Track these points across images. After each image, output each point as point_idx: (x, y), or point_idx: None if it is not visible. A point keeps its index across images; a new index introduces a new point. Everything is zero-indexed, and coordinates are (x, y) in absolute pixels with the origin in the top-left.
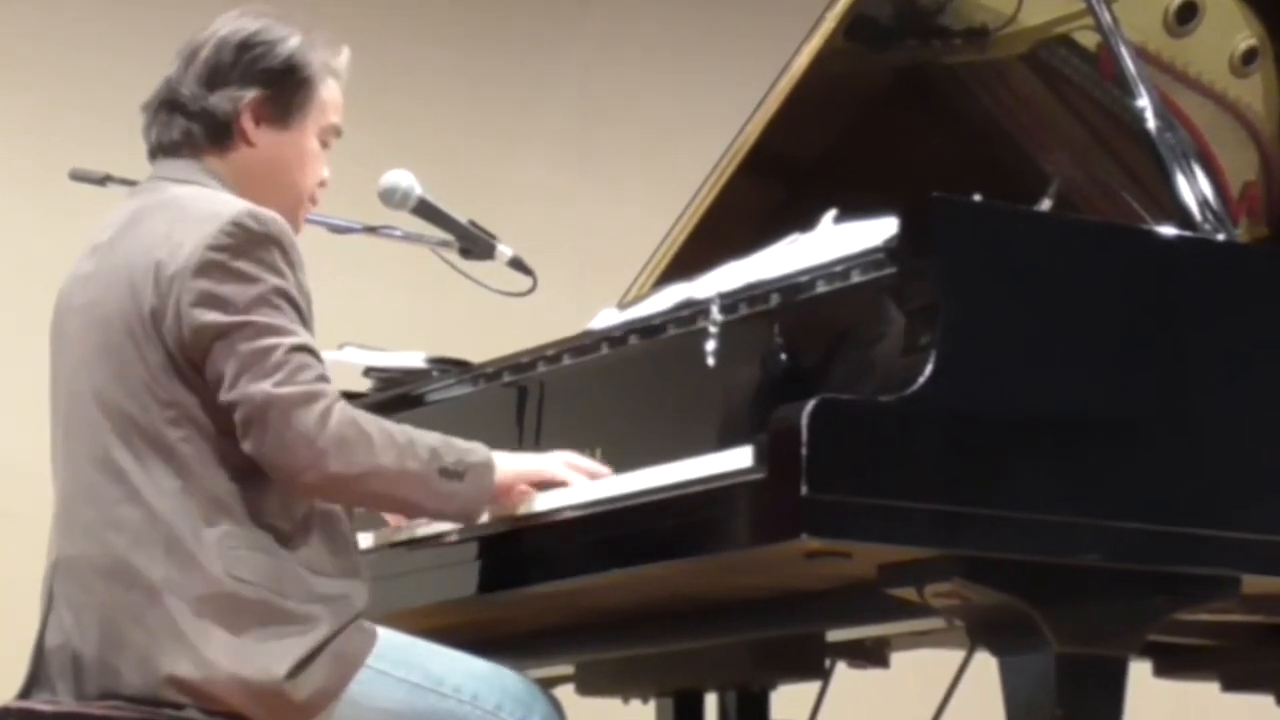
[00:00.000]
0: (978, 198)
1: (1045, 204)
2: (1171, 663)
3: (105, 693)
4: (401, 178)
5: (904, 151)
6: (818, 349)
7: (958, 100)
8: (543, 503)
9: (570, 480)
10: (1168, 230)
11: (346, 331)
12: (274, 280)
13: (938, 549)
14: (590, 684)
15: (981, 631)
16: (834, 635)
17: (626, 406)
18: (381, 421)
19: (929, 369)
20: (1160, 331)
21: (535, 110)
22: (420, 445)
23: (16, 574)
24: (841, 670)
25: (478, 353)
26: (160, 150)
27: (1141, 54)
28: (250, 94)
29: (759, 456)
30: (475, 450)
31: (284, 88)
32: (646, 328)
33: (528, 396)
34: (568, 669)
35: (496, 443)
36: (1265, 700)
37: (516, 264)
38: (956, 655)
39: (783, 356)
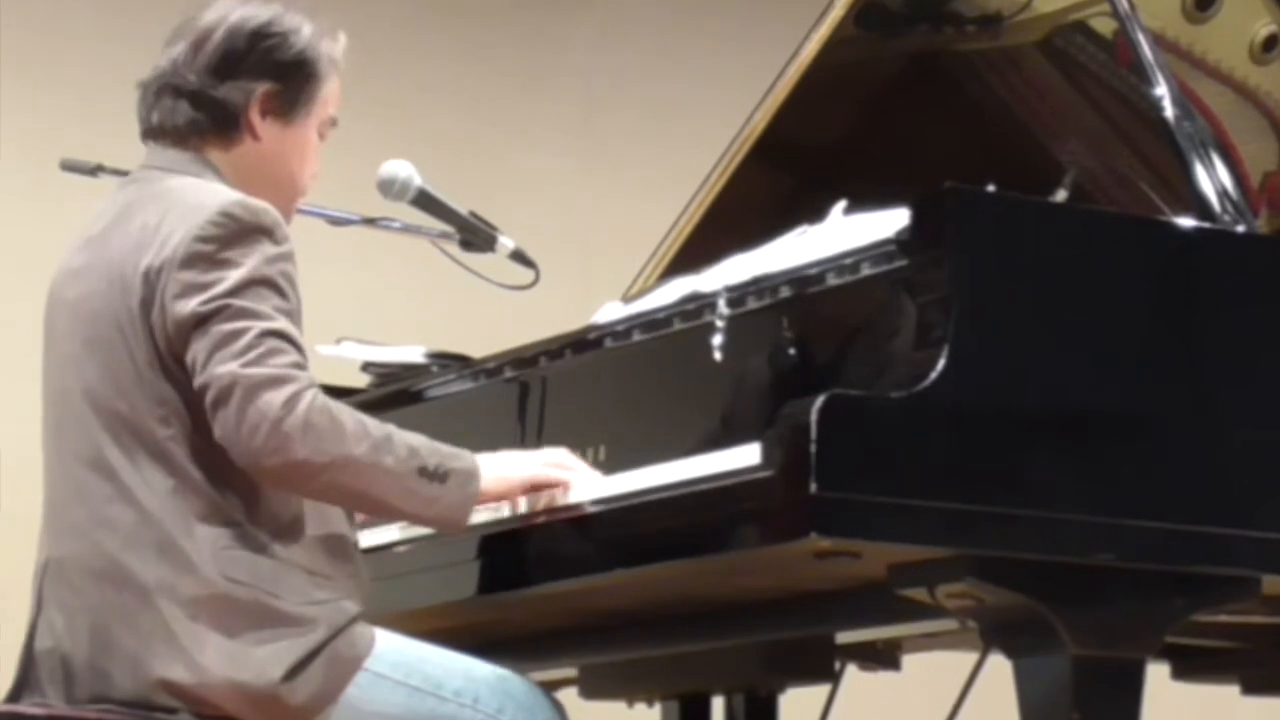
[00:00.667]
0: (991, 188)
1: (1060, 195)
2: (1190, 665)
3: (96, 697)
4: (400, 168)
5: (915, 141)
6: (827, 344)
7: (971, 88)
8: (545, 502)
9: (562, 482)
10: (1186, 222)
11: (344, 326)
12: (259, 268)
13: (950, 548)
14: (594, 687)
15: (995, 633)
16: (844, 637)
17: (631, 403)
18: (360, 415)
19: (941, 364)
20: (1178, 326)
21: (537, 99)
22: (399, 443)
23: (17, 574)
24: (852, 673)
25: (478, 347)
26: (159, 134)
27: (1159, 41)
28: (262, 87)
29: (767, 454)
30: (460, 456)
31: (294, 82)
32: (651, 322)
33: (529, 392)
34: (571, 672)
35: (497, 440)
36: None
37: (518, 256)
38: (969, 658)
39: (791, 351)
